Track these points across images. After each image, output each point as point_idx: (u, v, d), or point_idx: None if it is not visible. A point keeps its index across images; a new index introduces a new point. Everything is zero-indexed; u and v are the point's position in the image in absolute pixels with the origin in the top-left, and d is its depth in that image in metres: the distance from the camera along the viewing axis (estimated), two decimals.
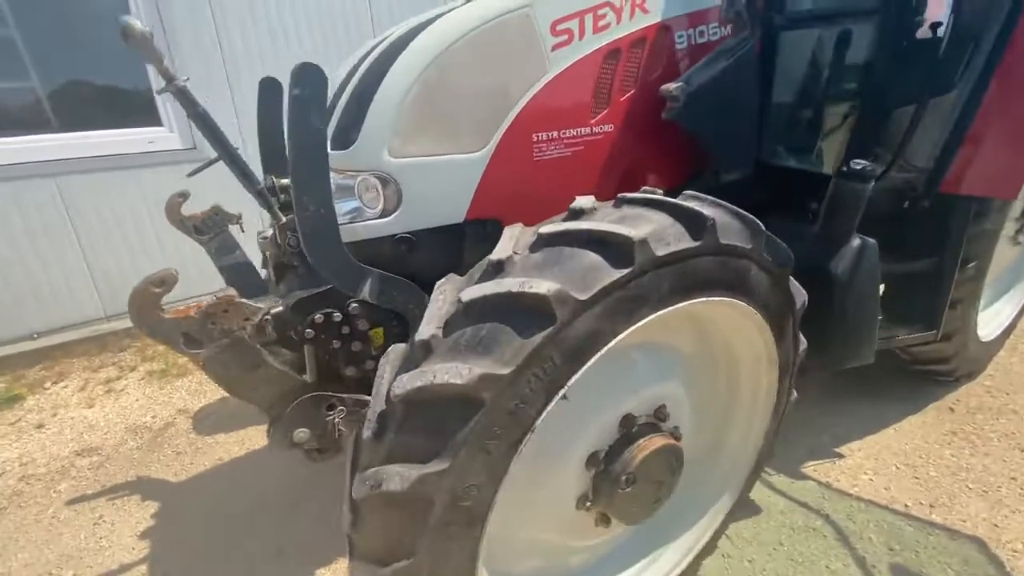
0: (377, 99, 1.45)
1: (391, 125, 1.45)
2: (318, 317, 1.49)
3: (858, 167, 1.78)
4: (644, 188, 1.35)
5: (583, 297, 0.98)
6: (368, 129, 1.45)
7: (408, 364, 1.01)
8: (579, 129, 1.71)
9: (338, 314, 1.52)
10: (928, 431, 2.65)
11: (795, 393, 1.74)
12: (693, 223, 1.13)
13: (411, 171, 1.49)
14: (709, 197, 1.28)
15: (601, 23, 1.67)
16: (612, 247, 1.04)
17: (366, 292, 1.51)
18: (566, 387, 1.05)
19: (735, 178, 2.01)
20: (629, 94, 1.78)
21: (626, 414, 1.35)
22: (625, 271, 1.02)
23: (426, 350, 1.00)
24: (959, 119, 2.14)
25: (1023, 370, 3.16)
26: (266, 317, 1.46)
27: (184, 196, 2.05)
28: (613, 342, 1.06)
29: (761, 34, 1.92)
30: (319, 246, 1.34)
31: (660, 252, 1.06)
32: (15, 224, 3.57)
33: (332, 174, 1.53)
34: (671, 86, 1.70)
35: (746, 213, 1.26)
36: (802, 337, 1.63)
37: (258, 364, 1.34)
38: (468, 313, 1.01)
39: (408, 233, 1.55)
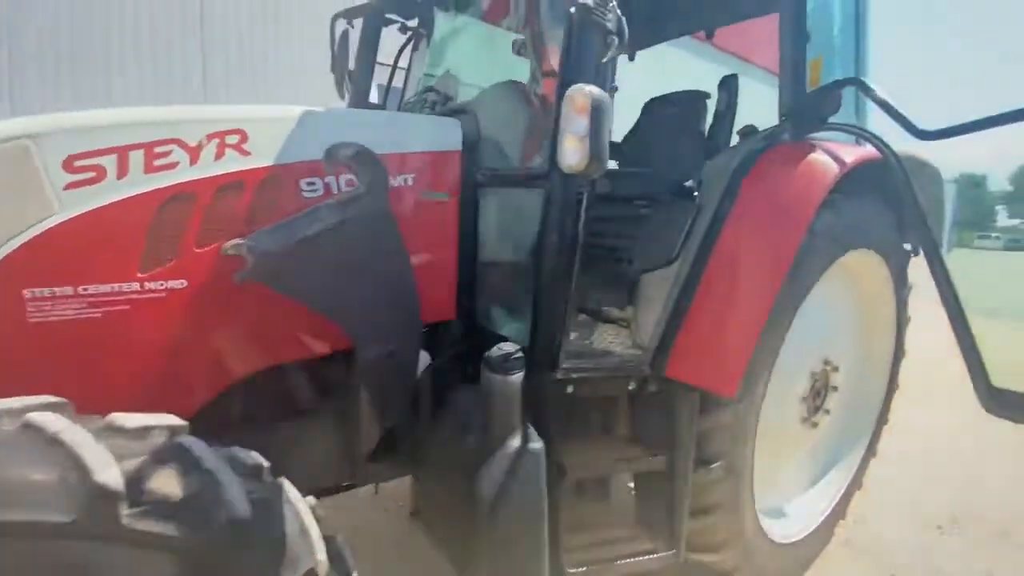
0: None
1: None
2: None
3: (499, 354, 1.44)
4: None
5: None
6: None
7: None
8: (117, 284, 1.33)
9: None
10: None
11: None
12: None
13: None
14: (51, 427, 0.85)
15: (160, 162, 1.36)
16: None
17: None
18: None
19: (391, 349, 1.63)
20: (213, 246, 1.43)
21: None
22: None
23: None
24: (677, 299, 1.86)
25: (855, 571, 2.67)
26: None
27: None
28: None
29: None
30: None
31: None
32: None
33: None
34: (230, 244, 1.35)
35: (76, 463, 0.81)
36: None
37: None
38: None
39: None
